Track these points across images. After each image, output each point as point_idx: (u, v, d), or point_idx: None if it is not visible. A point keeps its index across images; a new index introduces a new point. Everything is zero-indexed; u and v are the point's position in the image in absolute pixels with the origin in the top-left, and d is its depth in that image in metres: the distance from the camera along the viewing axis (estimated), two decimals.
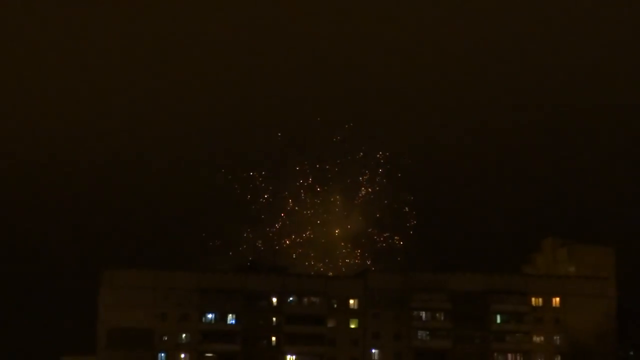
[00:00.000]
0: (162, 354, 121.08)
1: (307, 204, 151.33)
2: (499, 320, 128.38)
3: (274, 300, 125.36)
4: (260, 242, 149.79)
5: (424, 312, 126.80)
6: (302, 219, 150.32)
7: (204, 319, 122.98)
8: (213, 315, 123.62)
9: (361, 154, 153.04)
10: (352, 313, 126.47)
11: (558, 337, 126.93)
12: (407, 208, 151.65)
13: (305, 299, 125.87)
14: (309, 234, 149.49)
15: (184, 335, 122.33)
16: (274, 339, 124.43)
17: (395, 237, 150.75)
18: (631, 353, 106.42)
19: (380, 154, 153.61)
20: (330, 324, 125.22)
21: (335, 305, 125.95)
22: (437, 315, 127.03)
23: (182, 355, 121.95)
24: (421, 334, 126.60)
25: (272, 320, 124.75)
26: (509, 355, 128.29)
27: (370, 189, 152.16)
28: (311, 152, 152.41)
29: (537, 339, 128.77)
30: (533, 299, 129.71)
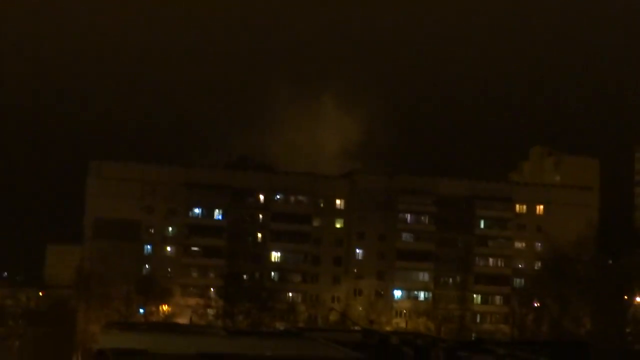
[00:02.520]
0: (148, 246, 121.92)
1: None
2: (482, 226, 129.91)
3: (261, 197, 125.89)
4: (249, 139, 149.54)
5: (409, 215, 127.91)
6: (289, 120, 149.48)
7: (190, 213, 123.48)
8: (200, 210, 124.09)
9: None
10: (338, 213, 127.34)
11: (539, 244, 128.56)
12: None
13: (292, 197, 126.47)
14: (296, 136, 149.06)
15: (170, 228, 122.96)
16: (259, 235, 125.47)
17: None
18: (610, 262, 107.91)
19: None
20: (316, 222, 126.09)
21: (322, 205, 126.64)
22: (422, 218, 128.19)
23: (168, 248, 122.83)
24: (405, 235, 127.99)
25: (258, 217, 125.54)
26: (491, 260, 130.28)
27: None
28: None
29: (519, 244, 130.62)
30: (517, 206, 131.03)
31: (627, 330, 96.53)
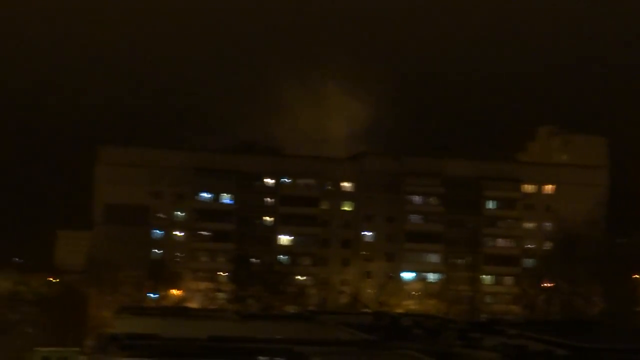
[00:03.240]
0: (158, 231, 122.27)
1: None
2: (491, 206, 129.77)
3: (269, 181, 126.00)
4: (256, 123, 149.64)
5: (417, 196, 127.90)
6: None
7: (199, 197, 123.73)
8: (208, 195, 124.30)
9: None
10: (346, 195, 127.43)
11: (549, 224, 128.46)
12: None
13: (300, 181, 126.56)
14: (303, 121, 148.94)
15: (179, 213, 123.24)
16: (268, 219, 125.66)
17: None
18: (620, 240, 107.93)
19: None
20: (324, 205, 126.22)
21: (330, 188, 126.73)
22: (430, 199, 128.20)
23: (178, 233, 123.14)
24: (414, 217, 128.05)
25: (266, 201, 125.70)
26: (500, 241, 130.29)
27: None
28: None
29: (528, 225, 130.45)
30: (526, 186, 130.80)
31: (638, 309, 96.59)
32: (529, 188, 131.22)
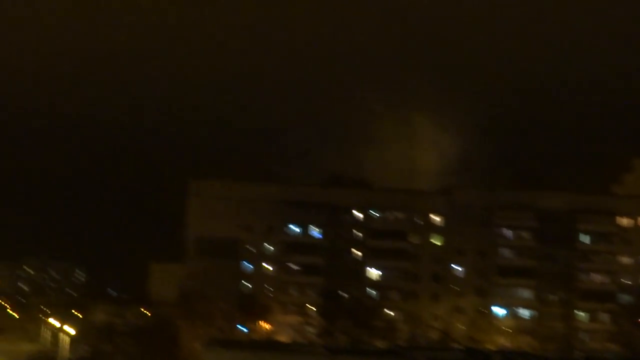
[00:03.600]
0: (248, 264, 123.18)
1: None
2: (585, 240, 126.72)
3: (358, 214, 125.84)
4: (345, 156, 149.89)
5: (509, 230, 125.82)
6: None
7: (288, 231, 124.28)
8: (297, 228, 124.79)
9: None
10: (436, 229, 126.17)
11: None
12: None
13: (390, 214, 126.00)
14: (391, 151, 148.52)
15: (268, 246, 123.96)
16: (357, 252, 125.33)
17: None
18: None
19: None
20: (414, 239, 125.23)
21: (419, 221, 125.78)
22: (523, 233, 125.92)
23: (267, 266, 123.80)
24: (505, 251, 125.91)
25: (355, 234, 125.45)
26: (595, 275, 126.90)
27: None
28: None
29: (623, 259, 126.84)
30: (621, 219, 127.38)
31: None
32: (624, 221, 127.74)
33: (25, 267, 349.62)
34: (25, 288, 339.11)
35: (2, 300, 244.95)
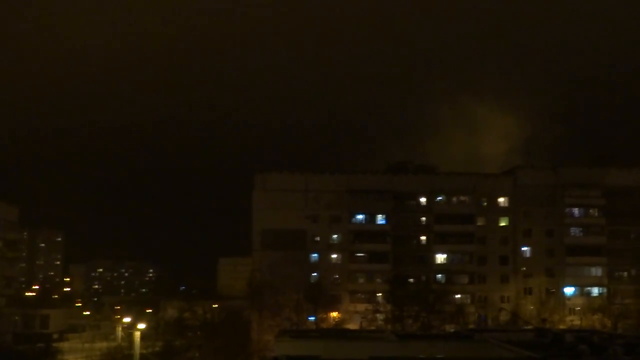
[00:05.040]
0: (315, 254, 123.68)
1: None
2: None
3: (423, 200, 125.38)
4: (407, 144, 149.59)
5: (576, 209, 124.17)
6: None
7: (354, 219, 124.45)
8: (363, 216, 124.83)
9: None
10: (502, 211, 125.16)
11: None
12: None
13: (454, 198, 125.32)
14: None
15: (334, 235, 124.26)
16: (423, 238, 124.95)
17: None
18: None
19: None
20: (480, 222, 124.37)
21: (485, 204, 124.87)
22: (591, 211, 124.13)
23: (334, 255, 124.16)
24: (574, 230, 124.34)
25: (421, 219, 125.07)
26: None
27: None
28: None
29: None
30: None
31: None
32: None
33: (98, 268, 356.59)
34: (99, 288, 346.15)
35: (77, 301, 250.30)
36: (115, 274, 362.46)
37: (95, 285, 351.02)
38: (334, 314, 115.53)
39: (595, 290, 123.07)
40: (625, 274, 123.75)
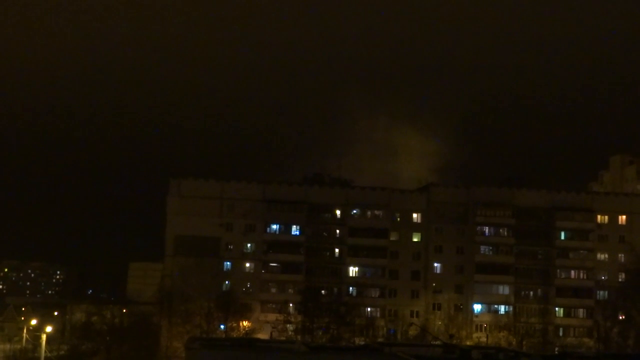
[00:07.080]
0: (228, 263, 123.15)
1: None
2: (563, 237, 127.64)
3: (338, 212, 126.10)
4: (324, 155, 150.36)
5: (487, 227, 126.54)
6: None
7: (268, 229, 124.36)
8: (278, 226, 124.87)
9: None
10: (415, 227, 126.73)
11: (622, 255, 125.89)
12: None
13: (369, 212, 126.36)
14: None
15: (249, 244, 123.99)
16: (337, 250, 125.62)
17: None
18: None
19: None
20: (393, 237, 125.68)
21: (398, 219, 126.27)
22: (501, 230, 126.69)
23: (247, 264, 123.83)
24: (484, 248, 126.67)
25: (335, 232, 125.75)
26: (572, 272, 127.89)
27: None
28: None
29: (601, 256, 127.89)
30: (599, 217, 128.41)
31: None
32: (602, 218, 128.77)
33: (2, 268, 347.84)
34: (3, 288, 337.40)
35: None
36: (20, 274, 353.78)
37: (0, 285, 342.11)
38: (245, 323, 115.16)
39: (502, 308, 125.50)
40: (531, 293, 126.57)
